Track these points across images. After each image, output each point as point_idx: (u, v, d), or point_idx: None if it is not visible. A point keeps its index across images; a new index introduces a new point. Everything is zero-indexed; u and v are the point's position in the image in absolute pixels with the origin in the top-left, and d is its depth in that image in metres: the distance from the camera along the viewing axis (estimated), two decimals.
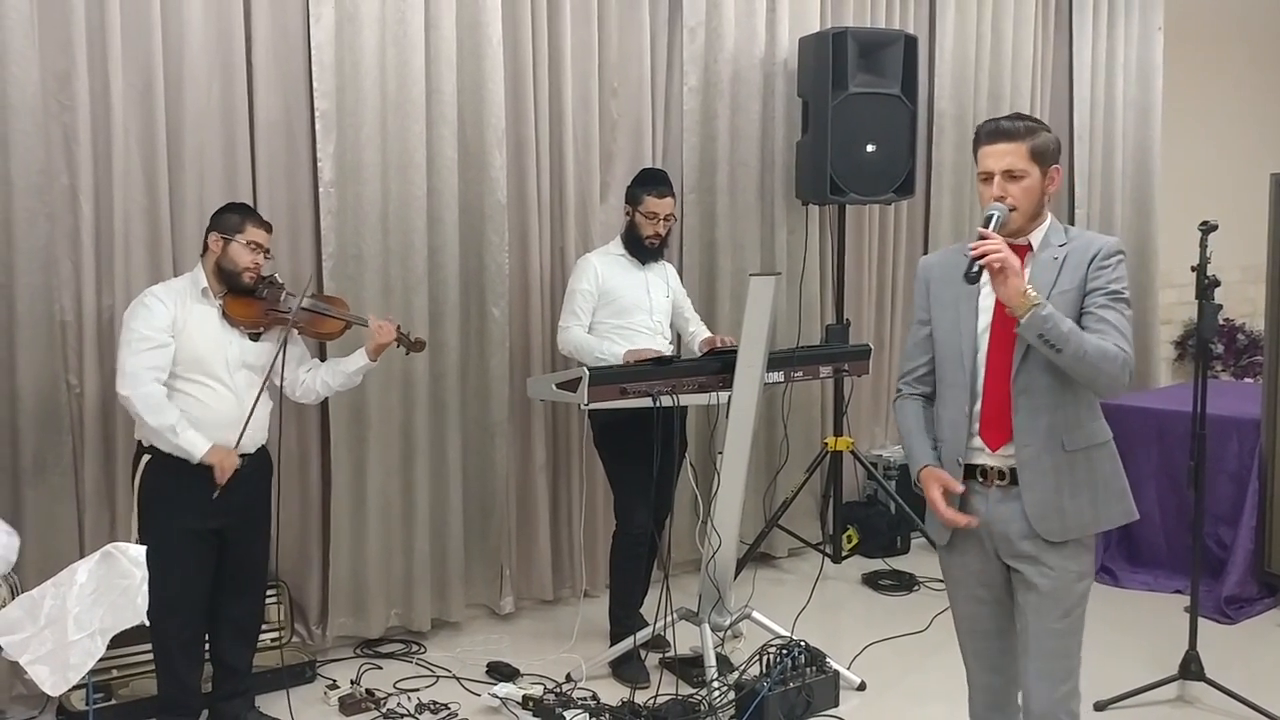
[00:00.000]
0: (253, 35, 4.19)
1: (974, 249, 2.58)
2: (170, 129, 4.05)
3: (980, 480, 2.74)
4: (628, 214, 4.38)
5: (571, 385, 3.86)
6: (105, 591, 2.81)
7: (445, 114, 4.51)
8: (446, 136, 4.52)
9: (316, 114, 4.26)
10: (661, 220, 4.32)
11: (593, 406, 3.88)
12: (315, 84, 4.25)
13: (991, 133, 2.71)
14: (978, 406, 2.73)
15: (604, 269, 4.33)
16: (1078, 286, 2.66)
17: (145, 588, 2.76)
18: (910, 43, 5.31)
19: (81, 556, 3.42)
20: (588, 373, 3.83)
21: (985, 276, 2.60)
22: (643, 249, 4.34)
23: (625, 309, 4.31)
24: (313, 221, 4.36)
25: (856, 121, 5.15)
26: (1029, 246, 2.73)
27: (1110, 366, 2.58)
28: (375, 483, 4.48)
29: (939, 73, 5.90)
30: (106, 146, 3.94)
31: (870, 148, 5.19)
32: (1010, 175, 2.68)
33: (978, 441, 2.74)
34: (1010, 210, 2.67)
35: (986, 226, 2.61)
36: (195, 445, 3.44)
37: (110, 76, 3.90)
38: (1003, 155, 2.68)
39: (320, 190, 4.30)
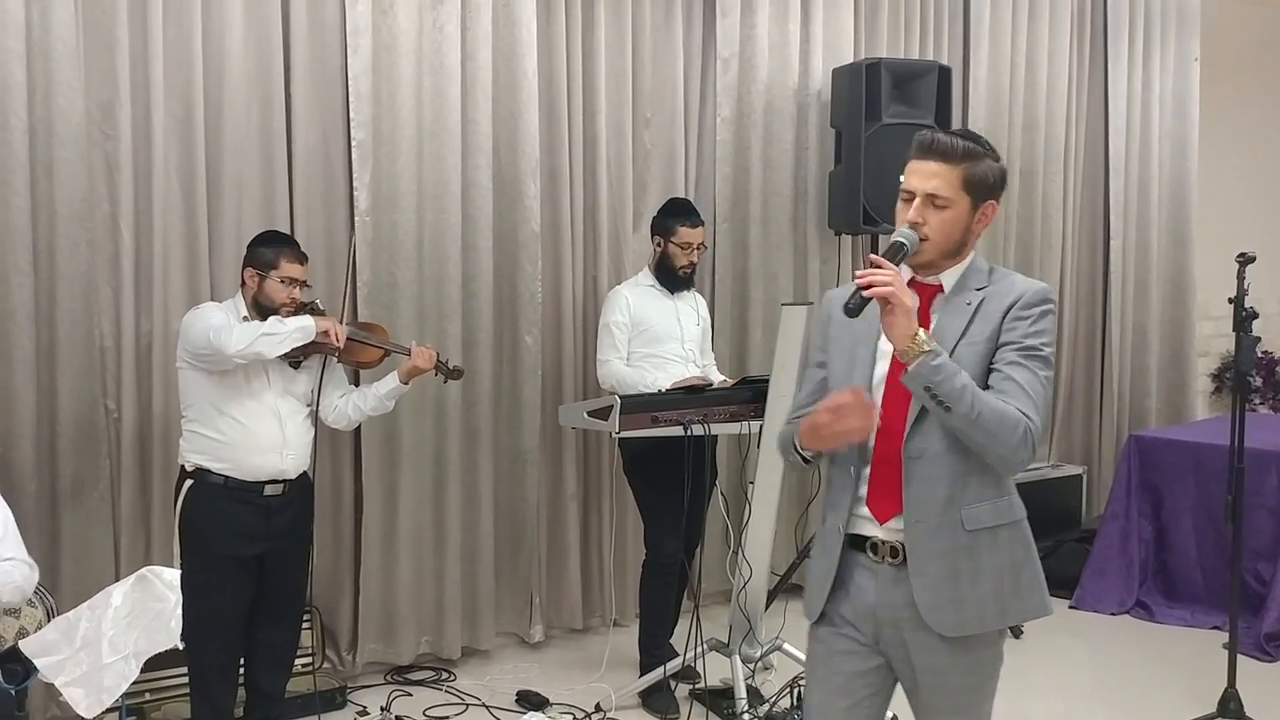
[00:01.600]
0: (291, 65, 4.25)
1: (861, 277, 2.20)
2: (209, 157, 4.11)
3: (871, 555, 2.33)
4: (658, 245, 4.40)
5: (603, 413, 3.86)
6: (140, 615, 2.84)
7: (480, 143, 4.55)
8: (481, 166, 4.56)
9: (353, 143, 4.31)
10: (694, 250, 4.34)
11: (624, 434, 3.89)
12: (352, 113, 4.30)
13: (925, 146, 2.33)
14: (866, 470, 2.33)
15: (635, 300, 4.35)
16: (989, 338, 2.27)
17: (180, 611, 2.79)
18: (944, 74, 5.31)
19: (117, 580, 3.46)
20: (619, 401, 3.83)
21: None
22: (675, 278, 4.35)
23: (657, 338, 4.32)
24: (348, 249, 4.40)
25: (890, 152, 5.13)
26: (940, 287, 2.35)
27: (1008, 435, 2.18)
28: (407, 509, 4.50)
29: (973, 104, 5.89)
30: (147, 175, 4.00)
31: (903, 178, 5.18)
32: (933, 201, 2.30)
33: (865, 510, 2.34)
34: (921, 240, 2.30)
35: (892, 255, 2.26)
36: (304, 322, 3.48)
37: (152, 106, 3.97)
38: (930, 176, 2.30)
39: (356, 218, 4.34)
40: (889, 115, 5.13)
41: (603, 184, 4.91)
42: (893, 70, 5.17)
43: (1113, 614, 5.23)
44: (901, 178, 2.37)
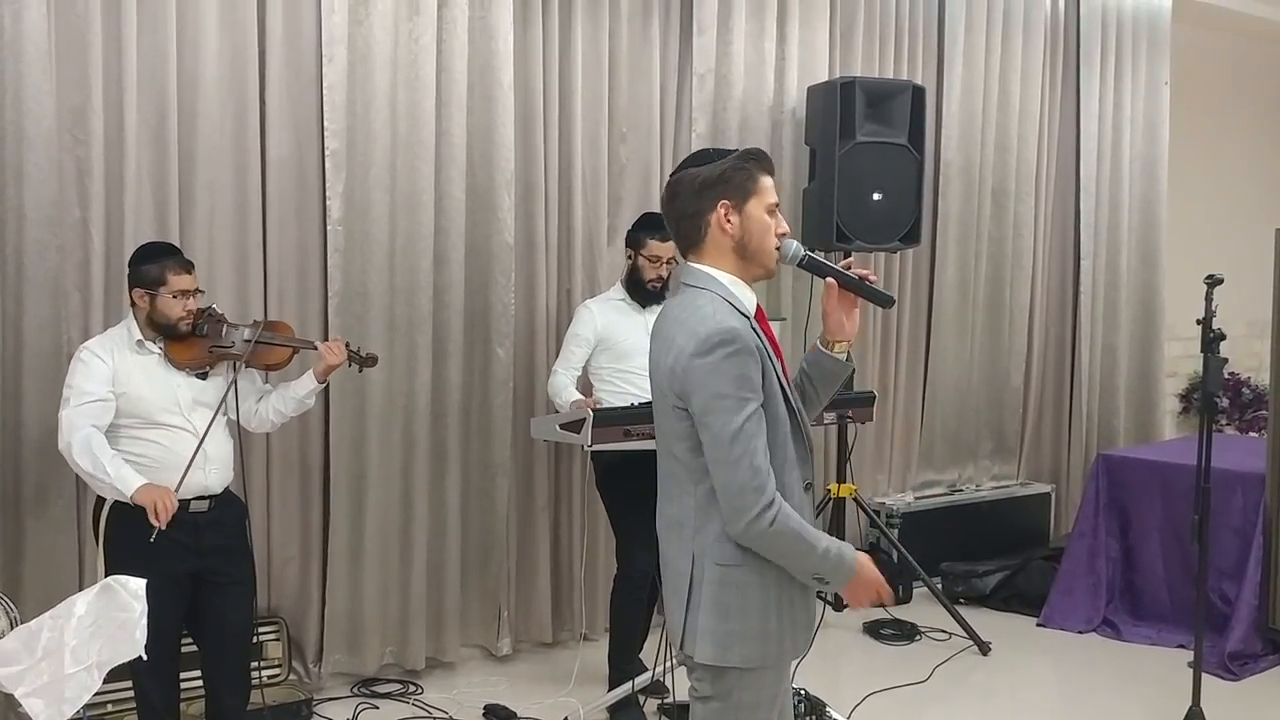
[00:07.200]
0: (266, 74, 4.23)
1: (864, 267, 2.46)
2: (182, 164, 4.09)
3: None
4: (629, 257, 4.40)
5: (575, 426, 3.86)
6: (104, 624, 2.80)
7: (454, 155, 4.54)
8: (455, 177, 4.55)
9: (327, 153, 4.30)
10: (664, 264, 4.34)
11: (596, 448, 3.88)
12: (326, 123, 4.29)
13: (771, 163, 2.45)
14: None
15: (603, 316, 4.35)
16: None
17: (144, 621, 2.75)
18: (918, 93, 5.35)
19: (81, 588, 3.41)
20: (592, 414, 3.83)
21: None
22: (644, 292, 4.35)
23: (625, 353, 4.31)
24: (320, 259, 4.38)
25: (863, 170, 5.18)
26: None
27: None
28: (374, 519, 4.47)
29: (946, 123, 5.94)
30: (119, 181, 3.97)
31: (876, 196, 5.22)
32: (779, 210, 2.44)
33: None
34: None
35: (805, 262, 2.42)
36: (126, 482, 3.29)
37: (125, 111, 3.94)
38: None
39: (328, 228, 4.33)
40: (863, 134, 5.16)
41: (577, 197, 4.91)
42: (867, 89, 5.20)
43: (1080, 632, 5.25)
44: (768, 195, 2.41)
